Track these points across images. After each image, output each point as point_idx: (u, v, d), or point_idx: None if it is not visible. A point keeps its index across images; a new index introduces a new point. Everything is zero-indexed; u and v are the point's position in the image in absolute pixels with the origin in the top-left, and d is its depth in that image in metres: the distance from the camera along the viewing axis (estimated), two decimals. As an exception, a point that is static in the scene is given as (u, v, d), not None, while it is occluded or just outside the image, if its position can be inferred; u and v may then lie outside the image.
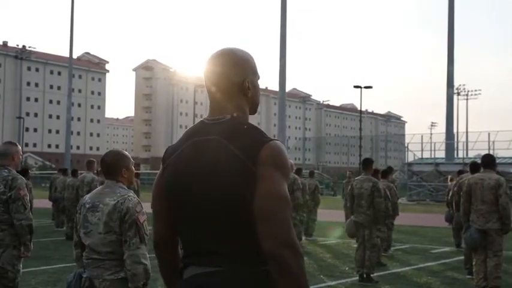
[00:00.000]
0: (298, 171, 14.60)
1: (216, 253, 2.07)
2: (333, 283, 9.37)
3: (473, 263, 8.62)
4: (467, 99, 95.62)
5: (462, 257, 10.83)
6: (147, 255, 3.93)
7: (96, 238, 3.91)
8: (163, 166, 2.26)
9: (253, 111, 2.25)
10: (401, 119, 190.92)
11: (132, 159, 4.22)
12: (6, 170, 5.55)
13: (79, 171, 16.49)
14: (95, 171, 13.68)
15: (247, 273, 2.04)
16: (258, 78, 2.26)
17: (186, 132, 2.24)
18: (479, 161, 9.03)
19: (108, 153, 4.20)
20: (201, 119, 2.23)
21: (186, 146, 2.18)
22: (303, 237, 14.90)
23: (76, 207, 10.99)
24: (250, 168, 2.01)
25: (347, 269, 10.80)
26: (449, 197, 12.70)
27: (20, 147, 5.84)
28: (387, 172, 13.28)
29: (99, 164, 4.24)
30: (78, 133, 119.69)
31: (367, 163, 9.85)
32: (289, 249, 1.91)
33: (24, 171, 13.75)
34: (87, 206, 4.00)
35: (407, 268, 11.10)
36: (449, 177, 16.09)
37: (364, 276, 9.44)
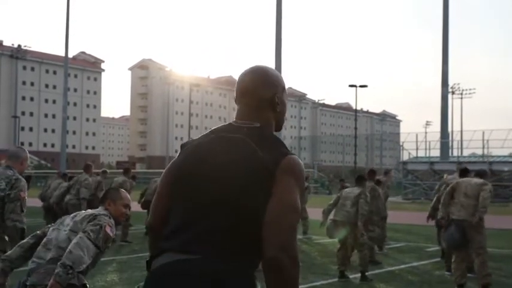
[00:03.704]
0: None
1: (207, 242, 2.03)
2: (329, 281, 9.42)
3: (453, 259, 8.70)
4: (461, 98, 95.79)
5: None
6: None
7: None
8: (181, 150, 2.30)
9: (279, 127, 2.35)
10: (397, 117, 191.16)
11: (125, 200, 4.40)
12: (11, 171, 5.57)
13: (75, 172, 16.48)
14: (92, 175, 13.81)
15: (231, 271, 1.99)
16: (286, 96, 2.38)
17: (212, 129, 2.30)
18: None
19: (111, 187, 4.76)
20: (230, 122, 2.31)
21: (211, 137, 2.24)
22: (299, 236, 15.04)
23: (60, 206, 11.24)
24: (270, 170, 2.07)
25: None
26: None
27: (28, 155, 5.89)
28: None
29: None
30: (74, 132, 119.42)
31: (360, 180, 10.10)
32: (288, 256, 1.93)
33: (27, 178, 13.69)
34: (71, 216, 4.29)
35: (402, 266, 11.16)
36: (445, 175, 16.14)
37: (345, 275, 9.57)
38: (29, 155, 5.87)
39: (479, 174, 8.80)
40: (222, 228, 2.04)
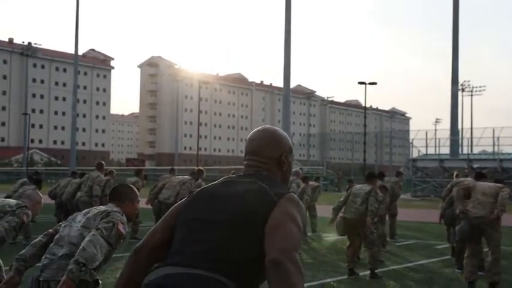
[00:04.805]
0: (305, 179, 14.92)
1: (209, 258, 2.10)
2: (338, 278, 9.43)
3: (465, 255, 8.68)
4: (471, 95, 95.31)
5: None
6: None
7: None
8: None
9: (285, 185, 2.45)
10: (406, 115, 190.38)
11: (138, 197, 4.54)
12: (24, 203, 5.52)
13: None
14: (104, 174, 13.90)
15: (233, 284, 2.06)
16: (293, 157, 2.51)
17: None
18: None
19: (121, 184, 4.77)
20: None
21: (218, 182, 2.41)
22: (309, 233, 15.10)
23: (71, 203, 11.27)
24: (274, 199, 2.20)
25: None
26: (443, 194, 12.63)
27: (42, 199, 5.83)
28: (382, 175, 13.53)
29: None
30: (84, 129, 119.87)
31: (370, 177, 10.06)
32: (291, 261, 1.99)
33: (37, 181, 13.70)
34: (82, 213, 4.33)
35: (412, 264, 11.15)
36: (454, 173, 16.07)
37: (354, 272, 9.57)
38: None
39: (497, 180, 8.88)
40: (222, 244, 2.13)
